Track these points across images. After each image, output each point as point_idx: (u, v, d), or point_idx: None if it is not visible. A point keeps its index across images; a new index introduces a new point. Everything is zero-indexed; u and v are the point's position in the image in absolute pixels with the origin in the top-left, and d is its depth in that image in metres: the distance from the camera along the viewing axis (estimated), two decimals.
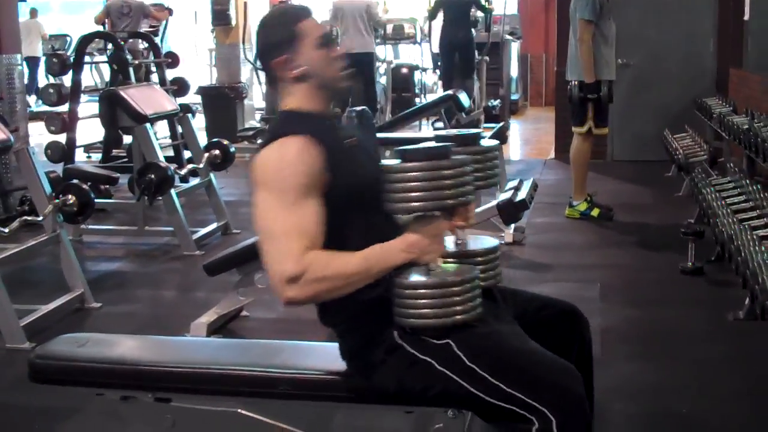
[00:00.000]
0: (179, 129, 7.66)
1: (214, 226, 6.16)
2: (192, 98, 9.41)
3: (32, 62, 14.53)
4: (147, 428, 2.59)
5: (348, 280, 2.09)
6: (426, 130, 10.45)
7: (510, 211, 4.52)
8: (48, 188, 5.00)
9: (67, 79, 7.73)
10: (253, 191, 2.16)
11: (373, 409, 2.29)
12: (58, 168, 6.72)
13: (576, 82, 6.23)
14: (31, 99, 11.68)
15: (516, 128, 11.71)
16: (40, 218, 4.90)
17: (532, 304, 2.44)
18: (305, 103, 2.27)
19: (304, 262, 2.06)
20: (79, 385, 2.44)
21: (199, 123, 8.58)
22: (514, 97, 12.92)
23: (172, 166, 5.89)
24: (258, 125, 11.10)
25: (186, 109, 7.08)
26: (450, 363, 2.09)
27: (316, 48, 2.23)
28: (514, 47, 12.85)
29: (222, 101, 10.41)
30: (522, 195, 4.51)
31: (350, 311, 2.20)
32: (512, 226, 5.69)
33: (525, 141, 11.00)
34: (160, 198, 5.83)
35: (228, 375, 2.30)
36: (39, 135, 8.82)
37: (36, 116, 9.61)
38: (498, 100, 10.55)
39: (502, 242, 5.72)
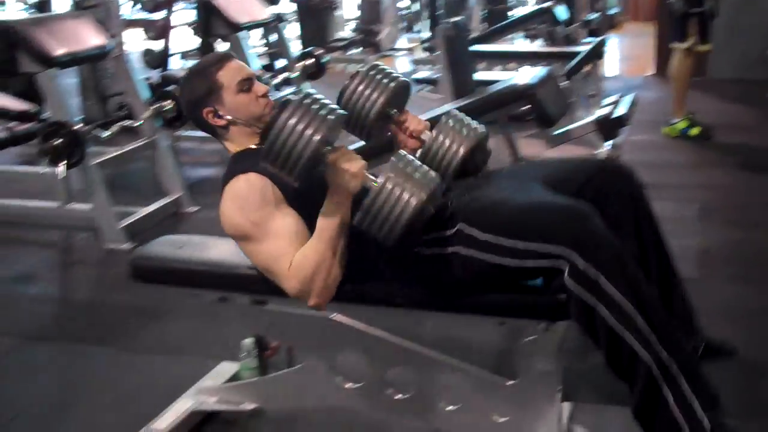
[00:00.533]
0: (273, 38, 7.66)
1: None
2: (286, 7, 9.37)
3: None
4: (242, 330, 2.66)
5: (325, 254, 2.08)
6: (522, 42, 10.26)
7: (608, 128, 4.38)
8: (145, 94, 5.07)
9: None
10: (233, 238, 2.21)
11: (465, 320, 2.28)
12: (155, 74, 6.80)
13: None
14: (128, 6, 11.79)
15: (615, 43, 11.40)
16: (138, 123, 4.98)
17: (558, 166, 2.41)
18: (243, 142, 2.34)
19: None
20: (177, 285, 2.48)
21: (292, 32, 8.55)
22: (613, 10, 12.54)
23: (267, 75, 5.90)
24: (351, 35, 11.05)
25: (279, 17, 7.06)
26: (470, 244, 2.10)
27: (237, 94, 2.31)
28: None
29: (315, 10, 10.35)
30: (621, 111, 4.37)
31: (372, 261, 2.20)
32: (609, 142, 5.57)
33: (624, 57, 10.70)
34: None
35: None
36: (136, 42, 8.91)
37: (133, 23, 9.69)
38: (597, 14, 10.24)
39: None
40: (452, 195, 2.26)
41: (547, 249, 1.99)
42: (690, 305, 2.48)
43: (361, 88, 2.25)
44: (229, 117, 2.31)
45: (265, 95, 2.35)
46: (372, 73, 2.27)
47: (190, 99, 2.35)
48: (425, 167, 2.07)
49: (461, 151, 2.29)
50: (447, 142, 2.30)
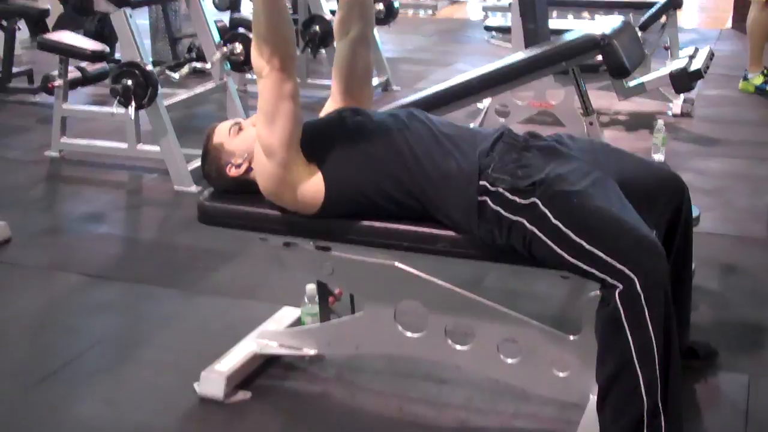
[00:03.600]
0: None
1: (375, 81, 6.15)
2: None
3: None
4: (306, 274, 2.67)
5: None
6: None
7: (683, 80, 4.29)
8: (216, 36, 5.08)
9: None
10: None
11: (527, 272, 2.27)
12: (225, 17, 6.81)
13: None
14: None
15: None
16: (209, 66, 5.00)
17: (632, 167, 2.43)
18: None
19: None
20: (243, 229, 2.49)
21: None
22: None
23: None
24: None
25: None
26: (538, 221, 2.11)
27: (233, 138, 2.46)
28: None
29: None
30: (697, 64, 4.26)
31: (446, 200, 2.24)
32: (682, 96, 5.45)
33: (701, 8, 10.43)
34: (323, 50, 5.84)
35: (388, 229, 2.30)
36: None
37: None
38: None
39: (669, 113, 5.51)
40: (531, 157, 2.26)
41: (612, 263, 2.02)
42: (690, 308, 2.58)
43: None
44: (243, 157, 2.42)
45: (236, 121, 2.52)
46: None
47: (210, 174, 2.54)
48: None
49: None
50: None
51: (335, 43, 2.65)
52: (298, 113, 2.26)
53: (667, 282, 2.03)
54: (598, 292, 2.07)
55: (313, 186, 2.29)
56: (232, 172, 2.45)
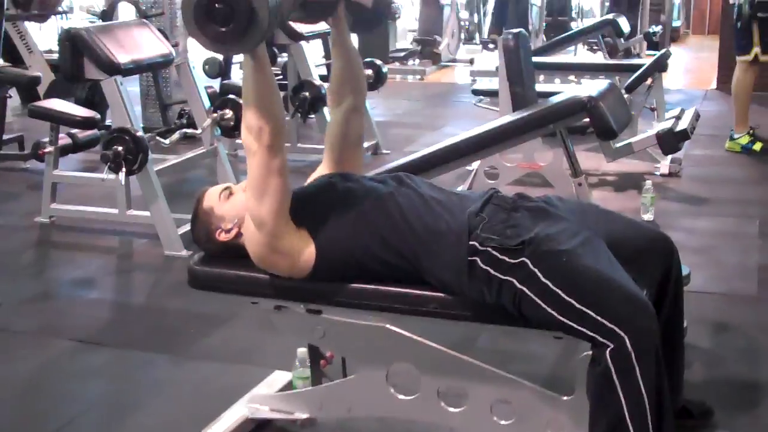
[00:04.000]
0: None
1: (365, 145, 6.17)
2: None
3: None
4: (298, 338, 2.66)
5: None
6: (583, 53, 10.19)
7: (669, 141, 4.34)
8: (207, 102, 5.13)
9: None
10: None
11: (519, 333, 2.27)
12: (215, 83, 6.87)
13: None
14: None
15: (677, 56, 11.26)
16: (199, 131, 5.03)
17: (622, 227, 2.44)
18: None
19: None
20: (234, 293, 2.49)
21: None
22: (675, 24, 12.41)
23: (325, 85, 5.92)
24: (410, 47, 11.06)
25: None
26: (528, 280, 2.11)
27: (224, 203, 2.48)
28: None
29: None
30: (683, 125, 4.32)
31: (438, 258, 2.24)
32: (669, 156, 5.51)
33: (686, 70, 10.58)
34: (313, 116, 5.90)
35: (379, 291, 2.31)
36: (197, 51, 9.00)
37: None
38: (659, 27, 10.14)
39: (657, 174, 5.56)
40: (519, 217, 2.27)
41: (602, 321, 2.02)
42: (683, 367, 2.57)
43: None
44: (233, 222, 2.43)
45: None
46: None
47: (200, 238, 2.54)
48: None
49: None
50: None
51: (327, 112, 2.69)
52: (287, 187, 2.28)
53: (657, 340, 2.03)
54: (589, 352, 2.07)
55: (303, 252, 2.30)
56: (222, 236, 2.45)
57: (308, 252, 2.30)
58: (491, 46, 9.94)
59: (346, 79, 2.61)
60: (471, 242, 2.20)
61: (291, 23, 2.36)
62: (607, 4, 10.60)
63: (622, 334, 1.99)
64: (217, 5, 2.05)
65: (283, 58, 7.06)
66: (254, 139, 2.23)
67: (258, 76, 2.22)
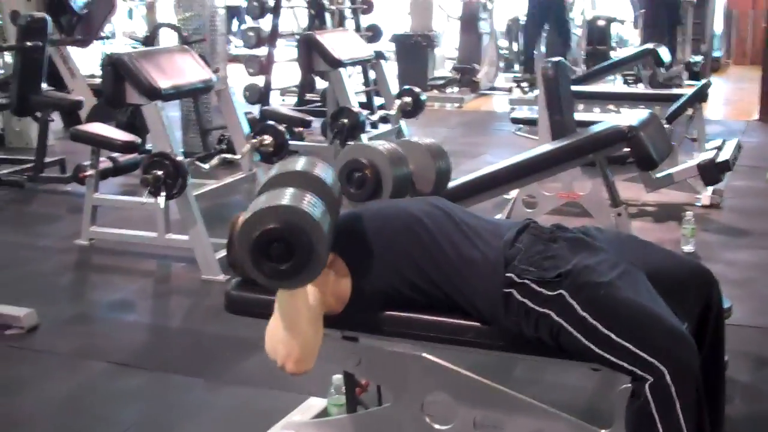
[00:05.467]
0: (372, 75, 7.73)
1: None
2: (385, 45, 9.46)
3: (233, 8, 14.96)
4: (333, 365, 2.65)
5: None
6: (621, 84, 10.14)
7: (711, 172, 4.31)
8: (246, 128, 5.16)
9: (265, 23, 7.91)
10: None
11: (557, 364, 2.24)
12: (255, 109, 6.92)
13: None
14: (232, 42, 12.05)
15: (717, 87, 11.18)
16: (238, 156, 5.06)
17: (661, 259, 2.40)
18: None
19: None
20: (270, 318, 2.49)
21: (390, 70, 8.61)
22: (716, 54, 12.33)
23: (364, 112, 5.95)
24: (449, 74, 11.07)
25: (379, 55, 7.12)
26: (566, 313, 2.09)
27: None
28: (719, 1, 12.23)
29: (414, 49, 10.43)
30: (725, 156, 4.29)
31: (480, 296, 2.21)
32: (710, 188, 5.45)
33: (726, 101, 10.49)
34: (351, 143, 5.91)
35: (416, 319, 2.29)
36: (237, 77, 9.09)
37: (235, 59, 9.92)
38: (700, 57, 10.10)
39: (698, 204, 5.51)
40: (557, 248, 2.24)
41: (641, 355, 2.00)
42: (724, 402, 2.49)
43: None
44: None
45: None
46: None
47: (236, 263, 2.48)
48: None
49: None
50: None
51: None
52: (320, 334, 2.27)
53: (698, 373, 2.01)
54: (629, 385, 2.05)
55: (339, 287, 2.29)
56: None
57: (344, 285, 2.29)
58: (524, 85, 9.90)
59: None
60: (507, 273, 2.18)
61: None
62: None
63: (662, 367, 1.96)
64: (275, 243, 2.02)
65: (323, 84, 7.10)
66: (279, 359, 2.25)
67: (293, 302, 2.19)
